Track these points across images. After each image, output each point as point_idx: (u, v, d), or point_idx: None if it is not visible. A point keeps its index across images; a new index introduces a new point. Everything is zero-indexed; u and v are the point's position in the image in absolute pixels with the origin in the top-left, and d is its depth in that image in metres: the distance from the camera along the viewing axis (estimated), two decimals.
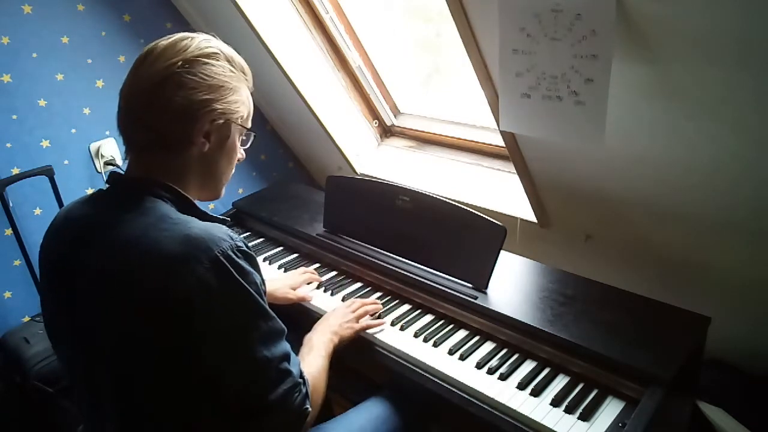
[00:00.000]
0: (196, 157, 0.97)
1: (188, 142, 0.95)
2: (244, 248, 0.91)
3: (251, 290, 0.90)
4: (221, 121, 0.97)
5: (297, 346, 1.18)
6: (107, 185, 1.00)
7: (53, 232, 1.00)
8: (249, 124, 1.05)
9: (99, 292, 0.91)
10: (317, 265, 1.67)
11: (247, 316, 0.91)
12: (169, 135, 0.94)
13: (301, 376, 0.99)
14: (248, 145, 1.08)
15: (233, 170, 1.06)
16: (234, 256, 0.88)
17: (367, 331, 1.35)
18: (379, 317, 1.40)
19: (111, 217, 0.93)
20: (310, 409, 0.99)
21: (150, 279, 0.85)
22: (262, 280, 0.94)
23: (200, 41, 0.96)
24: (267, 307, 0.93)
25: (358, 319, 1.35)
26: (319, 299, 1.51)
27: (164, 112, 0.92)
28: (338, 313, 1.35)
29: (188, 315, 0.85)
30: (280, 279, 1.55)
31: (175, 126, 0.93)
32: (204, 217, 0.98)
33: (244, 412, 0.92)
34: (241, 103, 1.00)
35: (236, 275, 0.88)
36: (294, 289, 1.51)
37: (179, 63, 0.92)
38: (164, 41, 0.96)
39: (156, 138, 0.94)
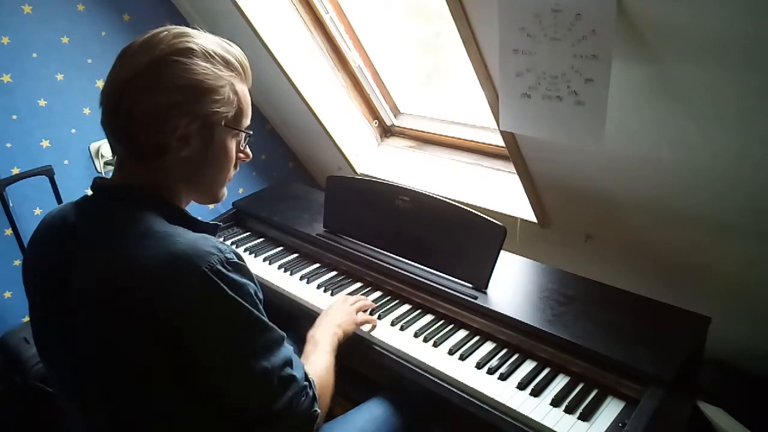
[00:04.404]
0: (175, 163, 0.90)
1: (160, 149, 0.88)
2: (234, 259, 0.86)
3: (244, 303, 0.85)
4: (198, 124, 0.89)
5: (298, 345, 1.18)
6: (91, 192, 0.94)
7: (37, 243, 0.96)
8: (243, 124, 0.96)
9: (87, 312, 0.87)
10: (317, 265, 1.68)
11: (242, 330, 0.86)
12: (137, 143, 0.88)
13: (306, 378, 0.96)
14: (246, 145, 0.99)
15: (230, 172, 0.98)
16: (224, 270, 0.83)
17: (365, 330, 1.36)
18: (379, 317, 1.40)
19: (95, 231, 0.89)
20: (318, 411, 0.96)
21: (138, 300, 0.81)
22: (257, 288, 0.89)
23: (172, 37, 0.87)
24: (263, 317, 0.89)
25: (357, 312, 1.36)
26: (319, 299, 1.51)
27: (127, 119, 0.86)
28: (339, 307, 1.35)
29: (179, 335, 0.81)
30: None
31: (140, 134, 0.87)
32: (194, 225, 0.92)
33: (251, 421, 0.90)
34: (223, 103, 0.90)
35: (227, 290, 0.83)
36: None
37: (145, 65, 0.85)
38: (140, 38, 0.88)
39: (126, 145, 0.89)
